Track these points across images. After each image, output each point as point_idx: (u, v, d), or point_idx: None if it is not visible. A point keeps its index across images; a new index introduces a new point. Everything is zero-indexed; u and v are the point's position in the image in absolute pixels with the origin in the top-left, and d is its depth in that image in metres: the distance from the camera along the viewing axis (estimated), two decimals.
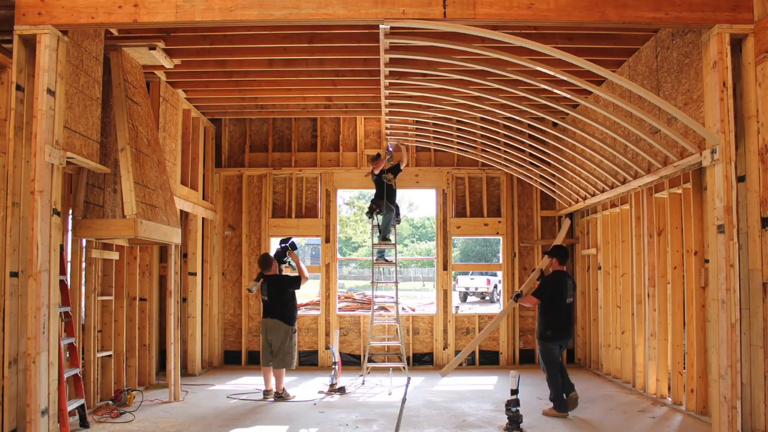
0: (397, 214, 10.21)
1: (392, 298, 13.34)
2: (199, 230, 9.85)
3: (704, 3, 5.03)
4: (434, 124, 9.59)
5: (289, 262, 8.40)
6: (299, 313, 11.38)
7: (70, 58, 5.58)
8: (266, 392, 7.92)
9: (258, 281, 8.11)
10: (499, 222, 10.86)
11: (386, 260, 10.22)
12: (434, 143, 10.28)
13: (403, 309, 12.75)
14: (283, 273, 8.35)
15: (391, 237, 10.12)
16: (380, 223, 10.08)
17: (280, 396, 7.84)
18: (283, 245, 8.35)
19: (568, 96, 6.43)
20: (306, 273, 8.12)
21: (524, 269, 10.86)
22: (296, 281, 8.03)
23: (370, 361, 9.49)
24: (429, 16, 5.06)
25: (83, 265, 6.93)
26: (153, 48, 6.85)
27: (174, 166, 8.58)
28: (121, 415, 6.82)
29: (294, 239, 8.56)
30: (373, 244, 10.21)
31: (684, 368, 7.05)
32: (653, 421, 6.67)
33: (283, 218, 10.87)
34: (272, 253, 9.00)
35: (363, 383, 8.92)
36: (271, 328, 7.86)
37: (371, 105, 9.71)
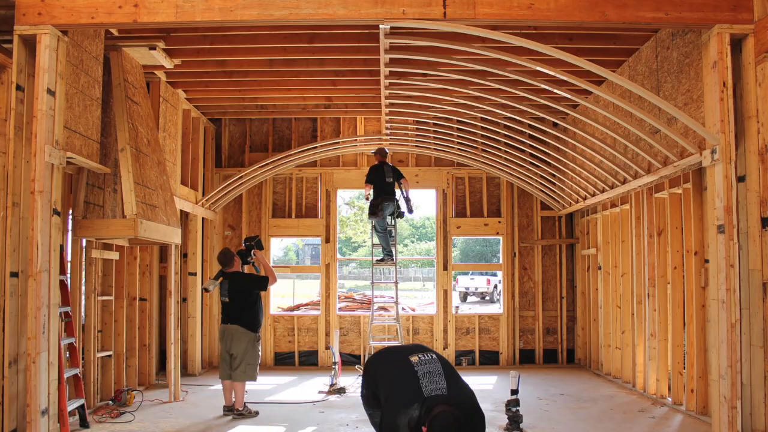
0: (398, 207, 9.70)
1: (392, 298, 13.33)
2: (199, 230, 9.85)
3: (704, 3, 5.02)
4: (434, 124, 9.59)
5: (253, 263, 7.58)
6: (299, 313, 11.44)
7: (70, 58, 5.58)
8: (227, 408, 7.03)
9: (217, 279, 7.21)
10: (499, 222, 10.86)
11: (385, 260, 10.03)
12: (435, 146, 10.27)
13: (403, 309, 12.75)
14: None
15: (392, 250, 9.88)
16: (380, 241, 9.75)
17: (241, 414, 6.89)
18: (247, 243, 7.49)
19: (568, 96, 6.43)
20: (274, 273, 7.35)
21: (524, 269, 10.86)
22: (263, 282, 7.16)
23: None
24: (429, 16, 5.05)
25: (83, 265, 6.93)
26: (153, 48, 6.84)
27: (174, 166, 8.58)
28: (121, 415, 6.81)
29: (260, 238, 7.73)
30: (373, 244, 10.14)
31: (684, 368, 7.05)
32: (653, 421, 6.67)
33: (283, 218, 10.87)
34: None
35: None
36: (231, 335, 6.94)
37: (371, 105, 9.71)
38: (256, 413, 7.02)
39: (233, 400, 7.00)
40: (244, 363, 6.90)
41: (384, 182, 9.48)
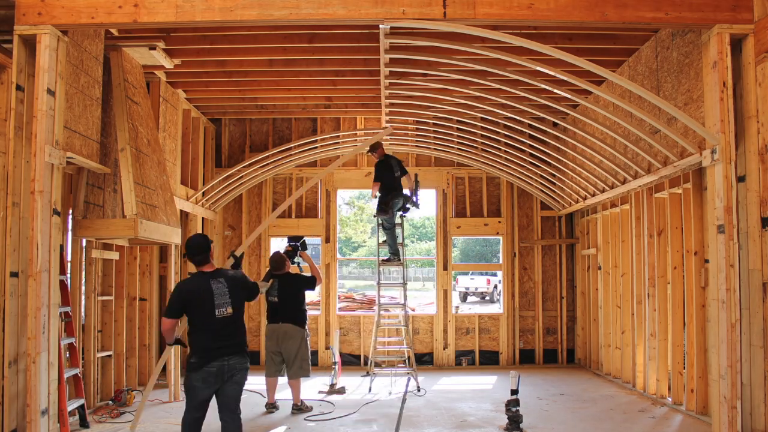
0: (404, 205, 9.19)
1: (393, 298, 13.33)
2: (199, 230, 9.84)
3: (704, 3, 5.03)
4: (434, 124, 9.59)
5: (299, 263, 7.79)
6: None
7: (70, 58, 5.58)
8: (270, 405, 7.27)
9: (267, 281, 7.35)
10: (499, 222, 10.86)
11: (392, 260, 9.41)
12: (435, 146, 10.27)
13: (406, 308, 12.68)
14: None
15: (399, 249, 9.35)
16: (387, 239, 9.20)
17: (300, 408, 7.15)
18: (293, 243, 7.71)
19: (568, 96, 6.44)
20: (320, 273, 7.48)
21: (524, 269, 10.87)
22: (311, 282, 7.39)
23: (376, 366, 9.14)
24: (429, 16, 5.06)
25: (83, 265, 6.93)
26: (153, 48, 6.84)
27: (174, 166, 8.58)
28: (121, 415, 6.82)
29: (306, 238, 7.93)
30: (379, 243, 9.55)
31: (684, 368, 7.05)
32: (653, 421, 6.67)
33: (284, 218, 10.87)
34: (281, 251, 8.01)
35: (362, 384, 8.91)
36: (284, 334, 7.11)
37: (371, 105, 9.71)
38: (311, 408, 7.27)
39: (275, 398, 7.28)
40: (299, 359, 7.11)
41: (393, 177, 8.97)
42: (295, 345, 7.14)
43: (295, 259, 7.74)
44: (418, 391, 8.32)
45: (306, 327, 7.32)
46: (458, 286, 25.25)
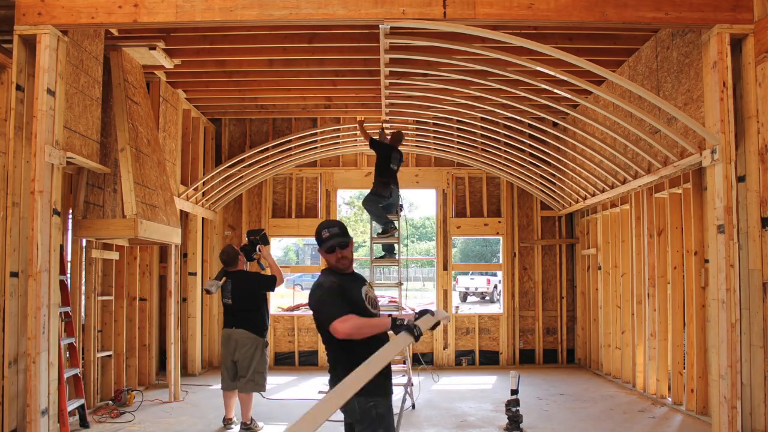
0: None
1: (392, 298, 13.30)
2: (199, 230, 9.85)
3: (704, 3, 5.03)
4: (435, 124, 9.59)
5: (258, 260, 6.83)
6: (299, 313, 11.43)
7: (70, 58, 5.58)
8: (228, 420, 6.40)
9: (219, 279, 6.51)
10: (499, 222, 10.86)
11: (390, 256, 8.63)
12: (435, 146, 10.28)
13: (403, 309, 12.69)
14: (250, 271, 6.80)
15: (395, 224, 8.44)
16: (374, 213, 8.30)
17: (249, 428, 6.22)
18: (251, 238, 6.73)
19: (569, 96, 6.44)
20: (281, 272, 6.53)
21: (524, 269, 10.87)
22: (271, 282, 6.39)
23: None
24: (429, 16, 5.05)
25: (83, 265, 6.93)
26: (153, 48, 6.84)
27: (174, 166, 8.58)
28: (121, 415, 6.82)
29: (265, 231, 7.02)
30: (372, 238, 8.77)
31: (684, 368, 7.05)
32: (653, 421, 6.67)
33: (283, 218, 10.88)
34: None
35: None
36: (237, 341, 6.21)
37: (371, 105, 9.70)
38: (262, 427, 6.38)
39: (233, 413, 6.42)
40: (252, 371, 6.20)
41: (390, 167, 8.41)
42: (248, 354, 6.19)
43: (253, 256, 6.73)
44: (413, 408, 7.37)
45: (264, 336, 6.36)
46: (458, 286, 25.25)
